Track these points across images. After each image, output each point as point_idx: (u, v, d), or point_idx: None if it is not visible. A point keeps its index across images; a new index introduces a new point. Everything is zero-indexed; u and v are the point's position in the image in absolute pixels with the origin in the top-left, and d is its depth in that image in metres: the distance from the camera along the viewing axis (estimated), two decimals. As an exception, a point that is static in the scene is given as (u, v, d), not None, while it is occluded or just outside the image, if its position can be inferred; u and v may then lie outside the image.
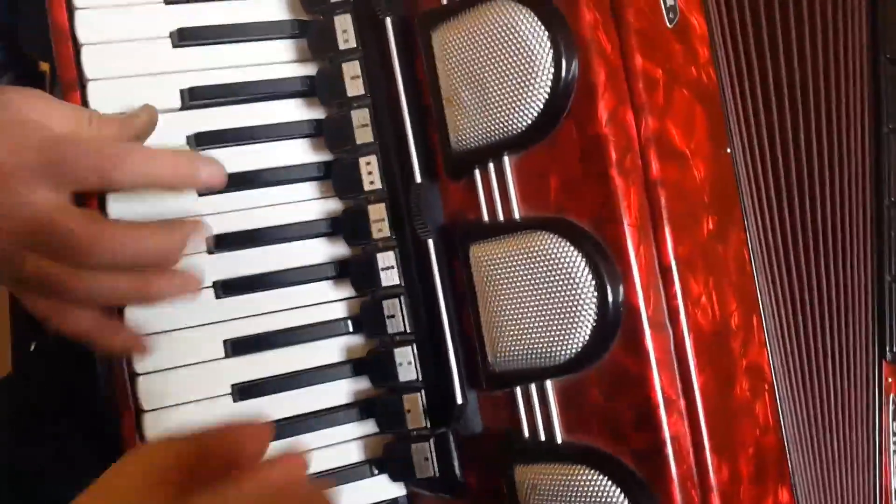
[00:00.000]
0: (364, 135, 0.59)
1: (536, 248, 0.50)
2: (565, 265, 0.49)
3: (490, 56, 0.50)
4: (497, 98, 0.51)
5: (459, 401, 0.58)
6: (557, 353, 0.51)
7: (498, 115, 0.51)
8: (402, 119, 0.58)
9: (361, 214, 0.60)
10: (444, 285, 0.58)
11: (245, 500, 0.36)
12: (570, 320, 0.50)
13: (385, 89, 0.59)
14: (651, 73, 0.50)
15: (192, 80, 0.61)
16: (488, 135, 0.52)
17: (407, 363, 0.59)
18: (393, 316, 0.59)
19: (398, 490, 0.63)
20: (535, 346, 0.52)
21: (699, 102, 0.52)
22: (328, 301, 0.63)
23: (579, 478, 0.51)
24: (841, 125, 0.58)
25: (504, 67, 0.50)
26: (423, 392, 0.59)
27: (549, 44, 0.48)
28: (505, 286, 0.52)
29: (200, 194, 0.60)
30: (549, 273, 0.50)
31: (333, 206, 0.63)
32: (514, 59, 0.50)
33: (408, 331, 0.59)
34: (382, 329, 0.60)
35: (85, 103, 0.58)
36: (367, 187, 0.60)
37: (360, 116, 0.59)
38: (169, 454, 0.38)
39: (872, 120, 0.59)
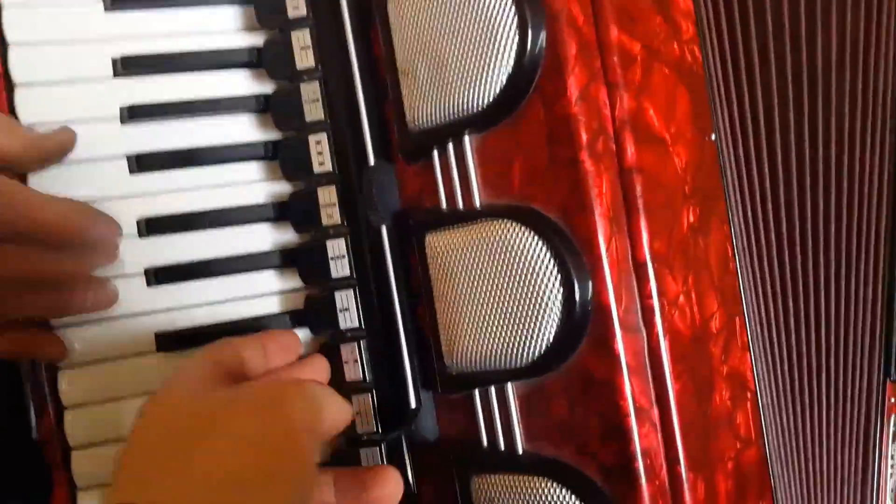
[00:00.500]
0: (314, 111, 0.54)
1: (498, 239, 0.45)
2: (529, 258, 0.44)
3: (448, 25, 0.45)
4: (456, 71, 0.45)
5: (413, 404, 0.53)
6: (519, 355, 0.46)
7: (457, 90, 0.46)
8: (356, 94, 0.53)
9: (310, 198, 0.55)
10: (399, 278, 0.53)
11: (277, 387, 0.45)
12: (534, 319, 0.45)
13: (337, 61, 0.53)
14: (628, 48, 0.45)
15: (127, 48, 0.55)
16: (447, 112, 0.47)
17: (353, 361, 0.54)
18: (346, 309, 0.54)
19: (347, 499, 0.58)
20: (496, 346, 0.47)
21: (681, 83, 0.47)
22: (273, 293, 0.58)
23: (541, 492, 0.46)
24: (846, 109, 0.52)
25: (463, 37, 0.45)
26: (373, 393, 0.54)
27: (513, 11, 0.43)
28: (463, 280, 0.47)
29: (133, 173, 0.55)
30: (510, 266, 0.45)
31: (280, 188, 0.57)
32: (475, 27, 0.44)
33: (360, 326, 0.54)
34: (333, 323, 0.55)
35: (6, 69, 0.53)
36: (316, 169, 0.54)
37: (311, 91, 0.54)
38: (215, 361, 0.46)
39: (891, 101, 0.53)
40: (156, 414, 0.43)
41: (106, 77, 0.55)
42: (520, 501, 0.47)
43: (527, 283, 0.45)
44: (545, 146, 0.44)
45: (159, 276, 0.55)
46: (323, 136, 0.54)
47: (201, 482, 0.38)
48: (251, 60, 0.57)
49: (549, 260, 0.44)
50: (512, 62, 0.44)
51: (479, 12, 0.44)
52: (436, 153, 0.49)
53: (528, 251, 0.45)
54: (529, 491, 0.47)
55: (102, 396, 0.55)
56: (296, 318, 0.57)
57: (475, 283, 0.47)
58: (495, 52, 0.44)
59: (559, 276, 0.44)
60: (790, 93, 0.51)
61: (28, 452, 0.55)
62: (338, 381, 0.55)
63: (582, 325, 0.44)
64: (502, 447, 0.49)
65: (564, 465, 0.46)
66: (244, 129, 0.57)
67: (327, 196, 0.54)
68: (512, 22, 0.43)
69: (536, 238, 0.44)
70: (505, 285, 0.46)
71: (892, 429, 0.53)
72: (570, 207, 0.44)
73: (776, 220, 0.51)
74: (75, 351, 0.53)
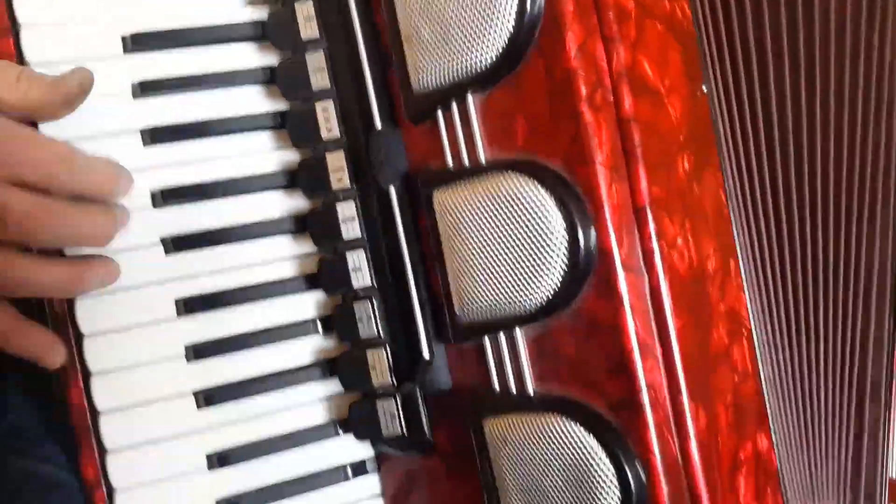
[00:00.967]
0: (320, 79, 0.56)
1: (504, 191, 0.48)
2: (534, 207, 0.47)
3: (451, -13, 0.47)
4: (458, 32, 0.48)
5: (426, 356, 0.55)
6: (527, 300, 0.49)
7: (460, 50, 0.48)
8: (360, 62, 0.55)
9: (319, 164, 0.57)
10: (409, 236, 0.55)
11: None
12: (541, 265, 0.47)
13: (341, 30, 0.56)
14: (622, 4, 0.47)
15: (135, 25, 0.57)
16: (450, 73, 0.49)
17: (367, 318, 0.57)
18: (358, 269, 0.57)
19: (365, 451, 0.61)
20: (504, 293, 0.49)
21: (673, 37, 0.49)
22: (287, 258, 0.60)
23: (552, 427, 0.49)
24: (847, 62, 0.54)
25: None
26: (387, 347, 0.57)
27: (512, -28, 0.46)
28: (471, 233, 0.50)
29: (147, 145, 0.57)
30: (517, 216, 0.48)
31: (291, 157, 0.60)
32: (476, -11, 0.47)
33: (372, 284, 0.57)
34: (345, 283, 0.57)
35: (18, 48, 0.55)
36: (324, 135, 0.57)
37: (316, 60, 0.56)
38: None
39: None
40: None
41: (116, 54, 0.57)
42: (532, 438, 0.50)
43: (533, 232, 0.47)
44: (546, 101, 0.46)
45: (176, 244, 0.57)
46: (329, 104, 0.56)
47: None
48: (257, 33, 0.59)
49: (554, 208, 0.46)
50: (512, 22, 0.46)
51: (480, -25, 0.47)
52: (440, 114, 0.51)
53: (534, 201, 0.47)
54: (541, 428, 0.49)
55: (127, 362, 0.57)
56: (310, 280, 0.60)
57: (483, 235, 0.50)
58: (496, 12, 0.46)
59: (564, 223, 0.46)
60: (784, 47, 0.53)
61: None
62: (353, 339, 0.58)
63: (586, 268, 0.47)
64: (513, 390, 0.51)
65: (574, 401, 0.49)
66: (253, 100, 0.59)
67: (336, 161, 0.57)
68: (511, -17, 0.46)
69: (541, 188, 0.47)
70: (512, 235, 0.48)
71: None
72: (572, 157, 0.46)
73: (770, 166, 0.53)
74: (61, 356, 0.53)
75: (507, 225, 0.48)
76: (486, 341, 0.52)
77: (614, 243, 0.46)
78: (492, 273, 0.50)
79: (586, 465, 0.48)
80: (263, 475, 0.59)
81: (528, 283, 0.48)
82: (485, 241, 0.49)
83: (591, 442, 0.48)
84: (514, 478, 0.51)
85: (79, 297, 0.55)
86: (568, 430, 0.48)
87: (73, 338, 0.55)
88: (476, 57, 0.48)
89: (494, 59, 0.47)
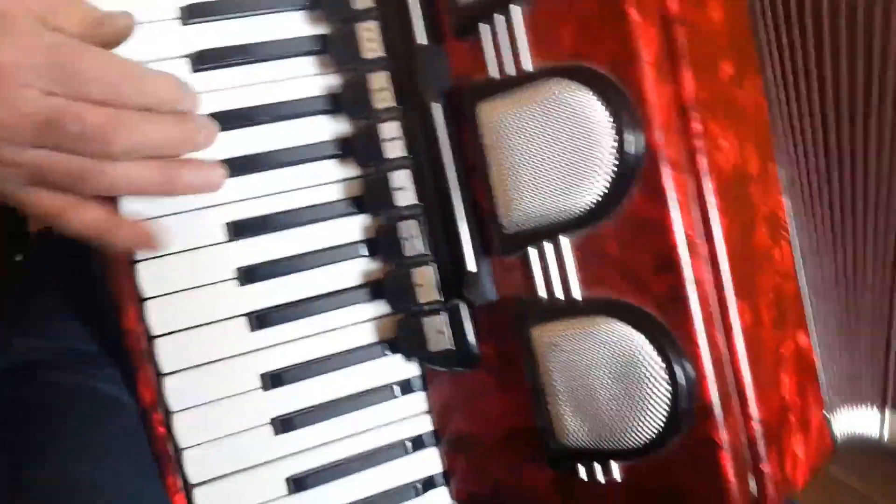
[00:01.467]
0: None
1: (551, 97, 0.49)
2: (583, 110, 0.48)
3: None
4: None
5: (472, 269, 0.57)
6: (576, 205, 0.50)
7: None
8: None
9: (362, 84, 0.58)
10: (453, 152, 0.56)
11: None
12: (589, 168, 0.49)
13: (382, -49, 0.57)
14: None
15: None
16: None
17: (412, 237, 0.58)
18: (402, 188, 0.58)
19: (413, 370, 0.63)
20: (552, 200, 0.51)
21: (711, -57, 0.50)
22: (333, 181, 0.61)
23: (600, 329, 0.50)
24: None
25: None
26: (434, 264, 0.58)
27: None
28: (518, 142, 0.51)
29: (195, 71, 0.58)
30: (565, 121, 0.49)
31: (334, 81, 0.61)
32: None
33: (417, 202, 0.58)
34: (389, 203, 0.59)
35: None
36: (367, 56, 0.58)
37: (358, -20, 0.57)
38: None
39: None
40: None
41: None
42: (581, 342, 0.51)
43: (581, 135, 0.49)
44: (594, 3, 0.47)
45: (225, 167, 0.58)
46: (372, 24, 0.57)
47: None
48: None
49: (602, 110, 0.48)
50: (558, -74, 0.47)
51: None
52: (485, 25, 0.52)
53: (581, 104, 0.48)
54: (589, 330, 0.51)
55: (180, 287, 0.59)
56: (355, 203, 0.61)
57: (530, 143, 0.51)
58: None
59: (612, 125, 0.48)
60: None
61: None
62: (398, 259, 0.59)
63: (634, 168, 0.48)
64: (561, 296, 0.53)
65: (621, 302, 0.50)
66: (296, 25, 0.60)
67: (379, 81, 0.58)
68: None
69: (589, 91, 0.48)
70: (560, 140, 0.49)
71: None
72: (619, 59, 0.47)
73: (807, 73, 0.54)
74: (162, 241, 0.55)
75: (555, 131, 0.49)
76: (532, 251, 0.53)
77: (661, 142, 0.47)
78: (539, 180, 0.51)
79: (636, 363, 0.50)
80: (314, 394, 0.61)
81: (577, 187, 0.50)
82: (532, 149, 0.51)
83: (640, 340, 0.49)
84: (563, 381, 0.53)
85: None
86: (617, 330, 0.50)
87: (127, 263, 0.57)
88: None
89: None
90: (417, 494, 0.61)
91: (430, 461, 0.62)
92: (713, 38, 0.49)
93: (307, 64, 0.60)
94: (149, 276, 0.58)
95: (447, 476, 0.62)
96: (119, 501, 0.55)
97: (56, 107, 0.46)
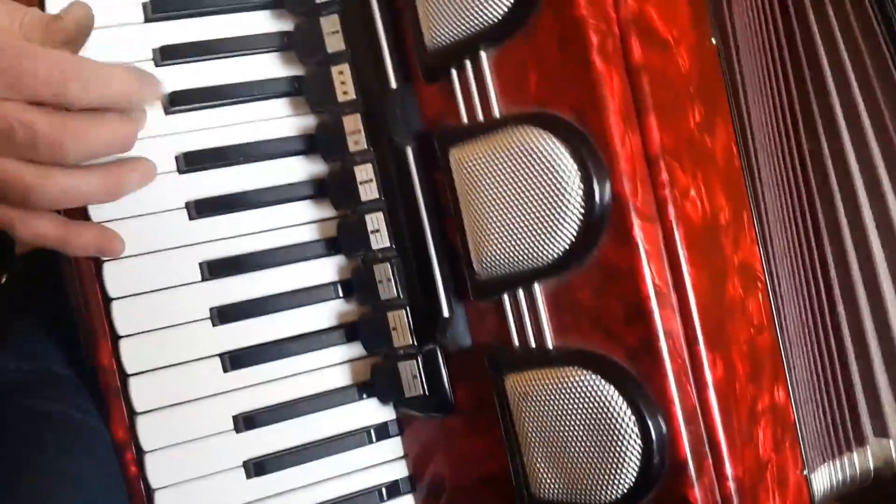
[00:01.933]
0: (335, 42, 0.57)
1: (519, 144, 0.48)
2: (550, 159, 0.47)
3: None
4: (469, -11, 0.48)
5: (446, 314, 0.56)
6: (545, 253, 0.49)
7: (470, 5, 0.49)
8: (374, 22, 0.55)
9: (336, 127, 0.58)
10: (426, 195, 0.56)
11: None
12: (557, 216, 0.48)
13: (355, -7, 0.56)
14: (627, -45, 0.47)
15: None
16: (462, 29, 0.50)
17: (387, 280, 0.57)
18: (377, 231, 0.57)
19: (388, 414, 0.62)
20: (522, 247, 0.50)
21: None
22: (307, 222, 0.61)
23: (572, 379, 0.49)
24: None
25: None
26: (407, 308, 0.58)
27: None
28: (488, 188, 0.51)
29: (167, 112, 0.58)
30: (533, 169, 0.48)
31: (308, 122, 0.61)
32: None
33: (391, 245, 0.57)
34: (365, 245, 0.58)
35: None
36: (340, 98, 0.58)
37: (330, 23, 0.57)
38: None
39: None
40: None
41: (138, 22, 0.58)
42: (553, 392, 0.50)
43: (549, 184, 0.48)
44: (558, 51, 0.47)
45: (200, 207, 0.58)
46: (345, 66, 0.57)
47: None
48: (271, 0, 0.60)
49: (569, 159, 0.47)
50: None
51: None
52: (454, 71, 0.52)
53: (549, 152, 0.48)
54: (562, 381, 0.50)
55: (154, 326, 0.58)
56: (329, 244, 0.61)
57: (500, 189, 0.50)
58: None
59: (579, 173, 0.47)
60: None
61: None
62: (373, 301, 0.59)
63: (602, 218, 0.47)
64: (533, 345, 0.52)
65: (592, 352, 0.49)
66: (269, 66, 0.60)
67: (353, 123, 0.57)
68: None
69: (555, 139, 0.47)
70: (528, 188, 0.49)
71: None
72: (585, 107, 0.46)
73: (782, 120, 0.53)
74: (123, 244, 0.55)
75: (524, 178, 0.49)
76: (505, 297, 0.52)
77: (629, 192, 0.47)
78: (510, 227, 0.50)
79: (608, 416, 0.48)
80: (288, 438, 0.60)
81: (546, 236, 0.49)
82: (502, 195, 0.50)
83: (612, 392, 0.48)
84: (536, 432, 0.52)
85: (106, 261, 0.56)
86: (588, 382, 0.49)
87: (102, 301, 0.57)
88: (487, 10, 0.48)
89: (505, 11, 0.48)
90: (392, 542, 0.61)
91: (404, 509, 0.61)
92: (680, 85, 0.48)
93: (281, 105, 0.60)
94: (123, 314, 0.57)
95: (422, 523, 0.61)
96: None
97: (6, 114, 0.46)
